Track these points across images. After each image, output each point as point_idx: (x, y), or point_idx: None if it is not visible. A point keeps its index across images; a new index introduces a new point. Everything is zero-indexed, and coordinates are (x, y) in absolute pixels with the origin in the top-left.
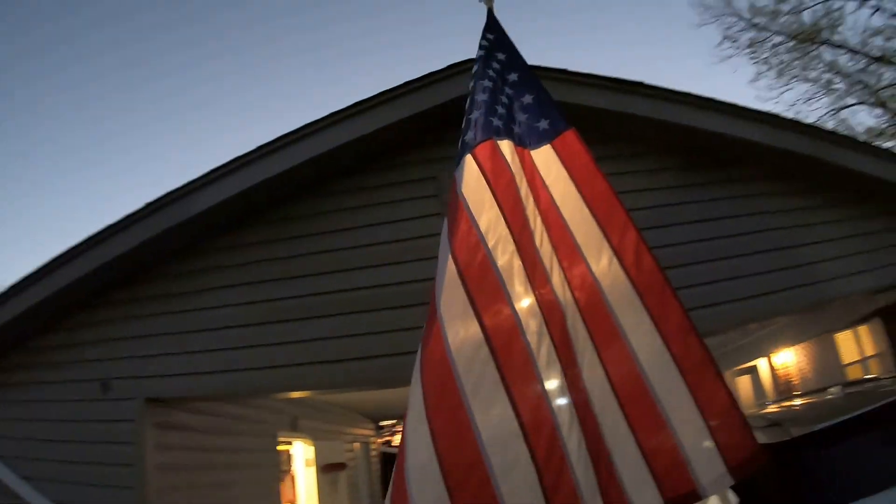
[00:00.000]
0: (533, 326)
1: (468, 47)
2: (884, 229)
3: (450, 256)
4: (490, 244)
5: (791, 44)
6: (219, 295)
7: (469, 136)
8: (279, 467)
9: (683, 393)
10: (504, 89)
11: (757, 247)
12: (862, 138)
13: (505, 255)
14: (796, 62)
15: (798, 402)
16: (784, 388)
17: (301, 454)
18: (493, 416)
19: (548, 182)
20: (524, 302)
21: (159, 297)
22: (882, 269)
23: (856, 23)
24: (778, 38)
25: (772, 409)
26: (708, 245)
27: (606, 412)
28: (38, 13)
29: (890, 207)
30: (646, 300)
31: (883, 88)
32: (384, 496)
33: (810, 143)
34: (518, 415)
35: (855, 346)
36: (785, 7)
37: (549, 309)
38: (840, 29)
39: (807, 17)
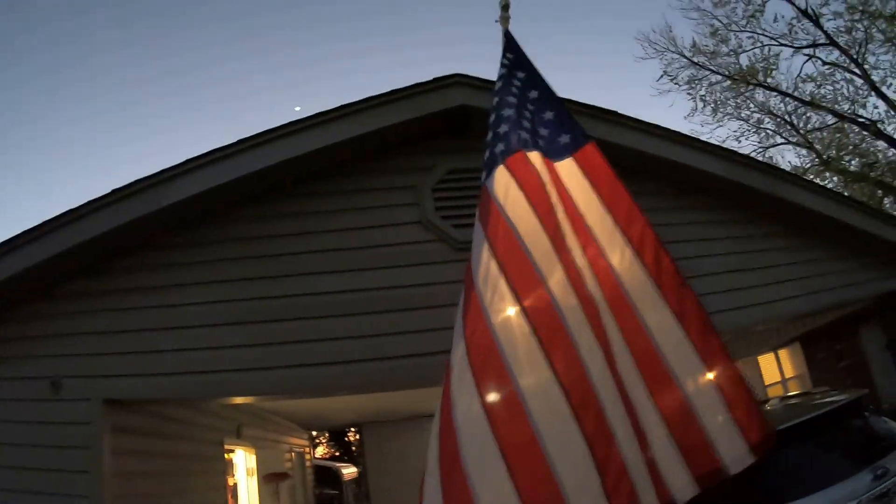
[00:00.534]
0: (574, 315)
1: (457, 58)
2: (820, 258)
3: (487, 253)
4: (528, 242)
5: (727, 83)
6: (184, 292)
7: (499, 147)
8: (226, 476)
9: (705, 380)
10: (527, 105)
11: (704, 270)
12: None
13: (540, 251)
14: (730, 101)
15: None
16: None
17: (243, 462)
18: (541, 395)
19: (571, 192)
20: (563, 292)
21: (121, 291)
22: (813, 294)
23: (789, 68)
24: (715, 78)
25: None
26: None
27: (637, 396)
28: None
29: (827, 238)
30: (665, 295)
31: (810, 131)
32: None
33: (762, 178)
34: (567, 395)
35: (776, 368)
36: (724, 49)
37: (586, 301)
38: (774, 73)
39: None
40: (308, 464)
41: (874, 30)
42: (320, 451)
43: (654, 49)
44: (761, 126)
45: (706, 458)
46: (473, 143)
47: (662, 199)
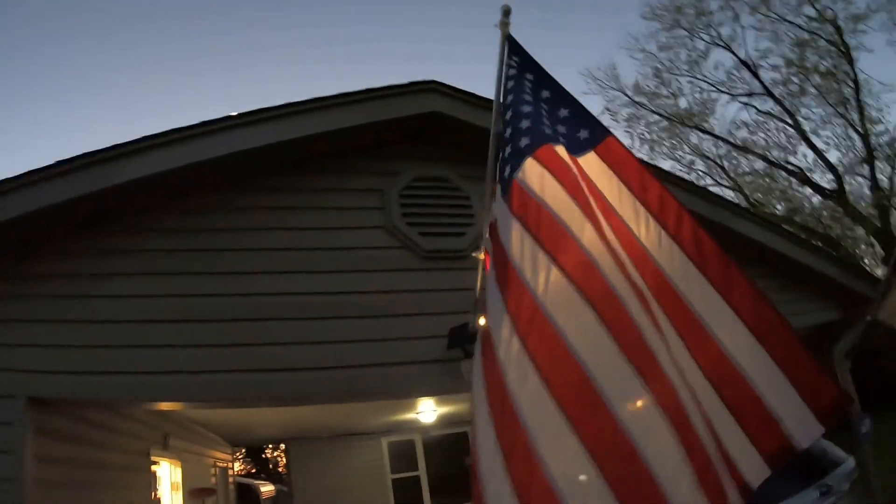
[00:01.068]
0: (626, 292)
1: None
2: (766, 287)
3: (529, 242)
4: (573, 229)
5: (664, 124)
6: (126, 283)
7: (524, 142)
8: (151, 490)
9: (763, 357)
10: (541, 105)
11: None
12: None
13: (587, 237)
14: (666, 141)
15: None
16: None
17: (168, 476)
18: (601, 359)
19: (598, 184)
20: (614, 273)
21: (54, 277)
22: None
23: (724, 114)
24: (654, 118)
25: None
26: None
27: (696, 382)
28: None
29: (774, 270)
30: (710, 277)
31: (740, 174)
32: None
33: (706, 205)
34: (631, 364)
35: None
36: (664, 90)
37: (632, 283)
38: (710, 117)
39: (683, 102)
40: (231, 480)
41: (809, 84)
42: (237, 467)
43: (598, 85)
44: (693, 167)
45: (774, 437)
46: (442, 152)
47: None
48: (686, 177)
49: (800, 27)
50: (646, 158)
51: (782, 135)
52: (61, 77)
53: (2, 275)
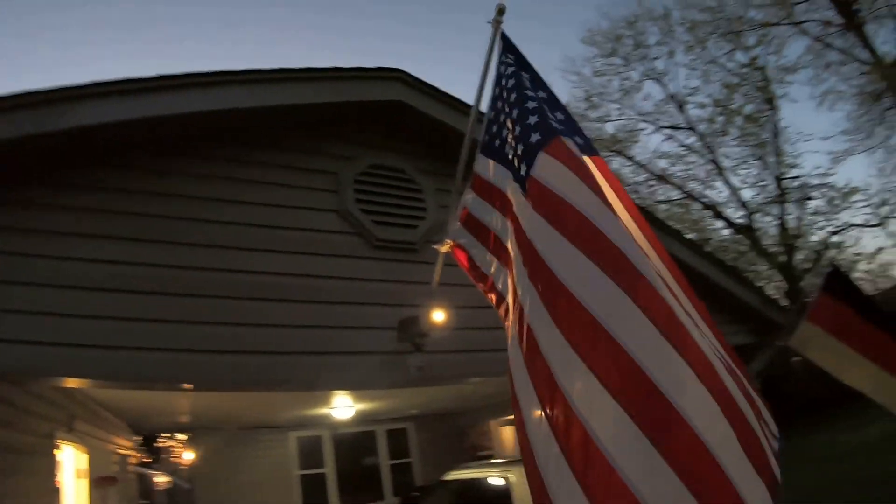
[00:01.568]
0: (662, 285)
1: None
2: None
3: (556, 235)
4: (596, 217)
5: None
6: (66, 243)
7: (534, 137)
8: (54, 476)
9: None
10: (542, 101)
11: None
12: None
13: (609, 223)
14: None
15: None
16: None
17: (71, 462)
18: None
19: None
20: (643, 262)
21: None
22: None
23: (647, 143)
24: None
25: None
26: None
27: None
28: None
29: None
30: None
31: (656, 202)
32: None
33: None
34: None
35: None
36: (593, 114)
37: (660, 274)
38: (634, 145)
39: (609, 127)
40: (130, 469)
41: (732, 125)
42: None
43: None
44: None
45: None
46: (400, 143)
47: None
48: None
49: (730, 71)
50: None
51: (701, 169)
52: None
53: None
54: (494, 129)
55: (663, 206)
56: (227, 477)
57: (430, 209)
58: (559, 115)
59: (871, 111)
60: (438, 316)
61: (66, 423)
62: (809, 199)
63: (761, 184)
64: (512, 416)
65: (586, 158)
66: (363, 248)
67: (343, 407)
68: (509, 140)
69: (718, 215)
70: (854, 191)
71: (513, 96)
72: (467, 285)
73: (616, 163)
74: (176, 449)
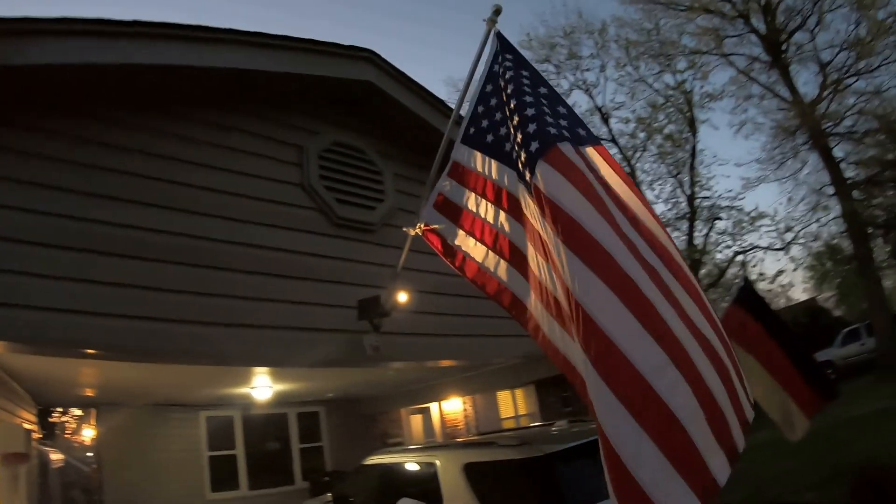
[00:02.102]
0: (648, 283)
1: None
2: None
3: (558, 242)
4: (594, 231)
5: None
6: (4, 189)
7: (534, 146)
8: None
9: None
10: (542, 100)
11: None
12: None
13: (601, 228)
14: None
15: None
16: (450, 429)
17: None
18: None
19: (604, 176)
20: (632, 264)
21: None
22: None
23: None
24: None
25: (523, 431)
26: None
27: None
28: None
29: None
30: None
31: None
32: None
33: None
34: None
35: (511, 404)
36: None
37: (648, 270)
38: None
39: None
40: (34, 444)
41: (652, 142)
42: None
43: (457, 95)
44: None
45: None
46: (364, 124)
47: None
48: None
49: (657, 91)
50: None
51: None
52: None
53: None
54: (484, 123)
55: None
56: (135, 456)
57: (388, 192)
58: (562, 109)
59: (785, 145)
60: (402, 297)
61: None
62: (718, 219)
63: (673, 199)
64: (421, 405)
65: (589, 150)
66: (325, 225)
67: (263, 387)
68: (513, 141)
69: None
70: (761, 216)
71: (512, 102)
72: (426, 271)
73: None
74: (71, 425)
